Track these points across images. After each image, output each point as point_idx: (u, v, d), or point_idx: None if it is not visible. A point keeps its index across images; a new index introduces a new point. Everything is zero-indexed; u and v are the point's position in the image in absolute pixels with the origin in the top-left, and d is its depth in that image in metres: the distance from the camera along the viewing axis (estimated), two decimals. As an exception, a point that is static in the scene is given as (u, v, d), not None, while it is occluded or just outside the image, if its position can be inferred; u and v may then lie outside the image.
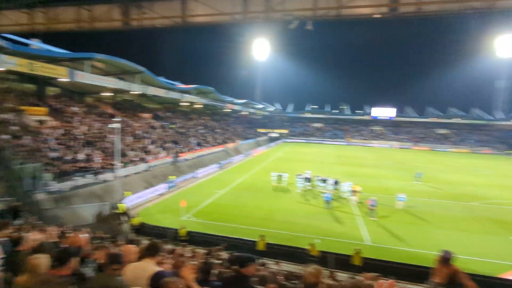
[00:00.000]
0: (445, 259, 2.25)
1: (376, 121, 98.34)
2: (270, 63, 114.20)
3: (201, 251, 11.74)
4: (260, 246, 13.88)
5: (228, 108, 69.17)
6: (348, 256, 13.56)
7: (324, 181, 28.10)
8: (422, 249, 15.75)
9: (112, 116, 31.06)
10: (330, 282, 7.07)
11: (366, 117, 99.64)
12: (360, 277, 10.28)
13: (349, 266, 13.13)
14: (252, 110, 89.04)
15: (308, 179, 28.38)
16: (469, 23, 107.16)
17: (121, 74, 34.11)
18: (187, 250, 11.13)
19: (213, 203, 23.24)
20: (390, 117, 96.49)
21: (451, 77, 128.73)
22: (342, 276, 12.15)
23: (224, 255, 11.38)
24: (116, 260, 3.54)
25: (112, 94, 37.10)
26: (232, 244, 14.38)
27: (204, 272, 4.17)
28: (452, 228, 19.25)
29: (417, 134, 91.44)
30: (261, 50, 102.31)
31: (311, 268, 3.29)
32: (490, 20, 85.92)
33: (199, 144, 43.26)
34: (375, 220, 20.00)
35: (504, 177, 40.29)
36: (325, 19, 11.48)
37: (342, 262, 13.53)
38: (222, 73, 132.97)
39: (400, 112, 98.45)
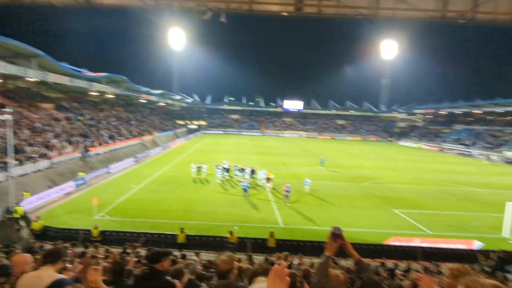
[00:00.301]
0: (335, 234, 2.66)
1: (287, 113, 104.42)
2: (188, 54, 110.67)
3: (116, 250, 11.08)
4: (180, 239, 13.71)
5: (143, 98, 64.98)
6: (264, 239, 14.39)
7: (241, 170, 28.92)
8: (327, 226, 17.58)
9: (2, 106, 26.32)
10: (245, 266, 7.47)
11: (278, 109, 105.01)
12: (272, 257, 11.12)
13: (265, 249, 13.96)
14: (169, 101, 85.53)
15: (226, 169, 28.82)
16: (362, 28, 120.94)
17: (12, 57, 29.12)
18: (101, 251, 10.40)
19: (130, 199, 21.85)
20: (298, 109, 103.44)
21: (347, 74, 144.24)
22: (259, 258, 12.90)
23: (142, 252, 10.98)
24: (3, 273, 3.11)
25: (1, 80, 31.48)
26: (151, 240, 13.87)
27: (115, 272, 3.89)
28: (349, 206, 21.88)
29: (321, 124, 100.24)
30: (177, 39, 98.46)
31: (224, 256, 3.29)
32: (378, 27, 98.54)
33: (112, 137, 39.81)
34: (289, 205, 21.23)
35: (387, 160, 47.33)
36: (238, 12, 11.69)
37: (259, 245, 14.29)
38: (137, 63, 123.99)
39: (307, 105, 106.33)
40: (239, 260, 11.00)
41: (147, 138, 50.45)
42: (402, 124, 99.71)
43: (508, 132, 63.75)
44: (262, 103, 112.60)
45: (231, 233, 14.08)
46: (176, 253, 12.72)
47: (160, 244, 13.66)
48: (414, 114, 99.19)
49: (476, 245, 15.31)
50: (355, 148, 65.64)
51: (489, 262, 12.56)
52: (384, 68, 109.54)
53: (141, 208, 19.64)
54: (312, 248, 14.13)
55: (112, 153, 35.52)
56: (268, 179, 25.70)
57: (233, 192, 24.30)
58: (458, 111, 79.82)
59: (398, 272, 10.41)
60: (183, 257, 11.33)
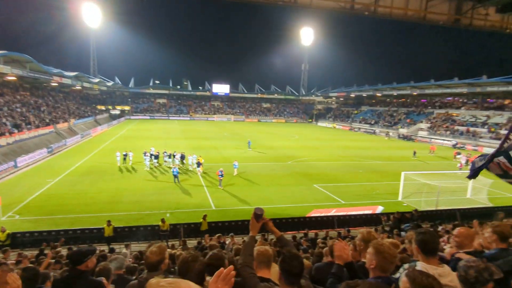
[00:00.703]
0: (257, 215, 2.71)
1: (215, 97, 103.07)
2: (106, 33, 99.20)
3: (32, 253, 9.78)
4: (108, 232, 12.70)
5: (55, 81, 56.46)
6: (197, 223, 14.24)
7: (171, 156, 27.86)
8: (257, 205, 18.14)
9: None
10: (178, 253, 7.29)
11: (207, 93, 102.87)
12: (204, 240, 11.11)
13: (199, 233, 13.86)
14: (87, 85, 76.48)
15: (155, 156, 27.39)
16: (285, 15, 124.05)
17: None
18: (11, 257, 9.06)
19: (45, 194, 19.25)
20: (226, 93, 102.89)
21: (272, 59, 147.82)
22: (193, 242, 12.77)
23: (64, 251, 9.91)
24: None
25: None
26: (73, 237, 12.57)
27: (27, 280, 3.29)
28: (276, 184, 22.92)
29: (248, 108, 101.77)
30: (92, 15, 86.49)
31: (154, 247, 3.11)
32: (298, 15, 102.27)
33: (17, 126, 34.15)
34: (221, 188, 21.11)
35: (308, 140, 50.68)
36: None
37: (192, 230, 14.12)
38: (45, 40, 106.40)
39: (234, 89, 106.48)
40: (172, 247, 10.75)
41: (62, 126, 44.70)
42: (319, 107, 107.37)
43: (401, 112, 73.60)
44: (189, 87, 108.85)
45: (163, 220, 13.57)
46: (104, 247, 11.82)
47: (85, 240, 12.47)
48: (330, 97, 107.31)
49: (379, 209, 17.59)
50: (280, 129, 68.58)
51: (389, 223, 14.61)
52: (303, 54, 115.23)
53: (60, 204, 17.50)
54: (243, 227, 14.48)
55: (19, 144, 30.64)
56: (198, 164, 25.28)
57: (163, 179, 23.35)
58: (364, 94, 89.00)
59: (319, 240, 11.39)
60: (112, 251, 10.58)
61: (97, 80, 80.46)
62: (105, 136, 47.38)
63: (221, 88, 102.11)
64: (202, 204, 18.34)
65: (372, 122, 74.61)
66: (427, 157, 36.99)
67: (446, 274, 2.49)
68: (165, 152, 28.36)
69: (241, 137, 49.91)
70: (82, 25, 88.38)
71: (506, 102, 57.21)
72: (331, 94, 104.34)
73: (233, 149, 37.45)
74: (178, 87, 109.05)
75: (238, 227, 14.08)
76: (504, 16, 9.27)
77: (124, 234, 13.15)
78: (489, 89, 55.08)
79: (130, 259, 8.16)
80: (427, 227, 12.12)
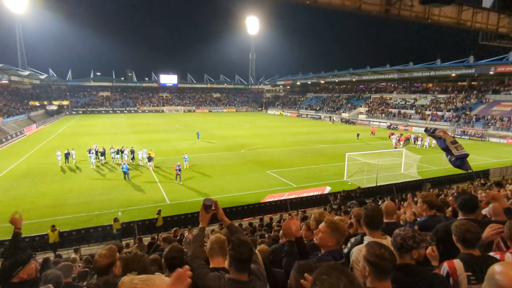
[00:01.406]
0: (206, 206, 2.70)
1: (164, 88, 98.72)
2: (36, 20, 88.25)
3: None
4: (53, 238, 11.64)
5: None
6: (151, 219, 13.72)
7: (118, 152, 26.26)
8: (212, 195, 18.08)
9: None
10: (135, 250, 6.99)
11: (154, 84, 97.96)
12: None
13: (154, 228, 13.39)
14: (16, 78, 67.79)
15: (101, 153, 25.55)
16: (231, 3, 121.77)
17: None
18: None
19: (-27, 203, 16.96)
20: (174, 84, 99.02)
21: (220, 48, 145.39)
22: (148, 240, 12.31)
23: None
24: None
25: None
26: (10, 247, 11.24)
27: None
28: (230, 173, 22.94)
29: (198, 98, 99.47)
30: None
31: (103, 249, 2.94)
32: (243, 3, 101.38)
33: None
34: (181, 183, 20.16)
35: (259, 128, 51.33)
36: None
37: (146, 226, 13.58)
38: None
39: (183, 79, 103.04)
40: (127, 246, 10.25)
41: (-12, 125, 39.41)
42: (268, 95, 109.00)
43: (343, 98, 77.97)
44: (135, 78, 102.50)
45: (115, 219, 12.84)
46: (50, 255, 10.87)
47: (26, 250, 11.27)
48: (277, 85, 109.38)
49: (327, 189, 18.64)
50: (231, 119, 68.38)
51: (336, 201, 15.58)
52: (251, 43, 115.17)
53: (-7, 212, 15.53)
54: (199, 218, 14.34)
55: None
56: (149, 158, 24.22)
57: (112, 177, 21.96)
58: (309, 81, 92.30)
59: (274, 224, 11.74)
60: (59, 257, 9.78)
61: (27, 72, 71.44)
62: (43, 135, 42.85)
63: (169, 79, 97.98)
64: (154, 199, 17.67)
65: (317, 108, 77.99)
66: (369, 138, 39.91)
67: (389, 245, 2.74)
68: (112, 148, 26.60)
69: (193, 128, 48.73)
70: (4, 10, 77.06)
71: (429, 85, 63.65)
72: (278, 83, 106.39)
73: (185, 141, 36.49)
74: (122, 78, 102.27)
75: (195, 219, 13.83)
76: (426, 8, 10.14)
77: (72, 238, 12.18)
78: (415, 74, 60.76)
79: (80, 264, 7.63)
80: (369, 202, 13.20)
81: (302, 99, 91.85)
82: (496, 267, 1.49)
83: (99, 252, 2.84)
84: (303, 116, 76.71)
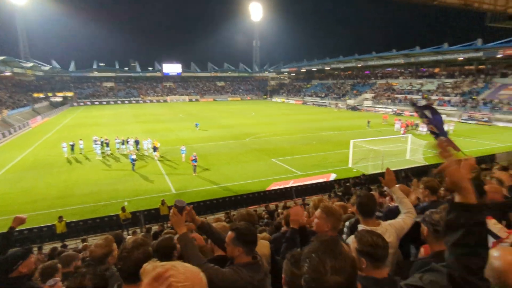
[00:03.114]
0: (179, 207, 2.51)
1: (167, 78, 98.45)
2: (37, 11, 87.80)
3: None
4: (60, 228, 11.82)
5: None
6: (157, 208, 13.86)
7: (124, 142, 26.39)
8: (217, 184, 18.14)
9: None
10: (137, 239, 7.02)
11: (158, 74, 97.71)
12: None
13: (160, 218, 13.53)
14: (19, 70, 67.92)
15: (106, 144, 25.70)
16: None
17: None
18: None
19: (-17, 195, 17.26)
20: (178, 73, 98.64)
21: (223, 36, 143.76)
22: (155, 228, 12.45)
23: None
24: None
25: None
26: (20, 238, 11.46)
27: None
28: (235, 162, 22.95)
29: (202, 87, 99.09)
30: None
31: (100, 239, 2.87)
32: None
33: None
34: (196, 175, 19.79)
35: (263, 117, 51.08)
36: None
37: (152, 216, 13.72)
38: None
39: (186, 68, 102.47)
40: (133, 234, 10.39)
41: (-5, 118, 39.82)
42: (273, 83, 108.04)
43: (348, 84, 76.95)
44: (138, 68, 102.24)
45: (123, 209, 12.99)
46: (58, 245, 11.07)
47: (34, 240, 11.51)
48: (282, 72, 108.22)
49: (332, 176, 18.57)
50: (236, 107, 68.11)
51: (341, 188, 15.54)
52: (254, 30, 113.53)
53: (2, 204, 15.76)
54: (205, 206, 14.46)
55: None
56: (154, 148, 24.33)
57: (118, 167, 22.14)
58: (314, 68, 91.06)
59: (280, 210, 11.77)
60: (64, 247, 9.94)
61: (30, 64, 71.70)
62: (48, 126, 43.23)
63: (172, 68, 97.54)
64: (160, 188, 17.80)
65: (323, 95, 77.17)
66: (380, 125, 39.15)
67: (383, 232, 2.68)
68: (117, 138, 26.70)
69: (197, 117, 48.68)
70: (4, 1, 76.64)
71: (436, 70, 62.38)
72: (283, 70, 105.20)
73: (189, 131, 36.50)
74: (126, 69, 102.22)
75: (200, 207, 13.98)
76: None
77: (79, 228, 12.38)
78: (421, 59, 59.48)
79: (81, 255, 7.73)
80: (374, 188, 13.11)
81: (307, 86, 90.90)
82: (494, 252, 1.46)
83: (95, 242, 2.83)
84: (308, 103, 76.06)
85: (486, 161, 19.04)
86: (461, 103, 47.01)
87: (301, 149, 26.39)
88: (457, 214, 1.24)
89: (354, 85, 74.96)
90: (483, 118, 41.01)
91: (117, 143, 26.34)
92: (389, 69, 72.72)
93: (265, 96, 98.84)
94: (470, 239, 1.22)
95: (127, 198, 16.21)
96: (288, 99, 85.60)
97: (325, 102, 71.65)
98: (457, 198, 1.27)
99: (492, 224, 2.72)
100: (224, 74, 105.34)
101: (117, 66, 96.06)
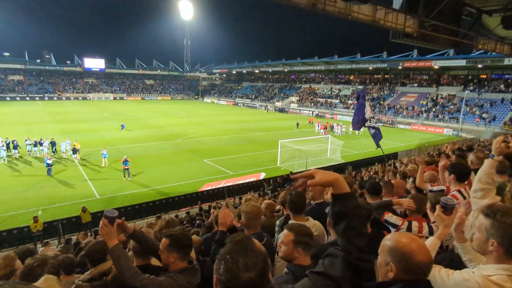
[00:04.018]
0: (110, 218, 2.36)
1: (89, 73, 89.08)
2: None
3: None
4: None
5: None
6: (77, 216, 12.62)
7: (36, 144, 23.15)
8: (147, 187, 17.29)
9: None
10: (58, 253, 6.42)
11: (78, 69, 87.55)
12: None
13: (81, 226, 12.37)
14: None
15: (14, 145, 22.20)
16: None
17: None
18: None
19: None
20: (101, 68, 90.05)
21: (152, 32, 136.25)
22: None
23: None
24: None
25: None
26: None
27: None
28: (166, 163, 22.10)
29: (129, 85, 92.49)
30: None
31: None
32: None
33: None
34: (129, 179, 18.38)
35: (195, 117, 50.20)
36: None
37: (73, 224, 12.45)
38: None
39: (111, 64, 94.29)
40: (45, 244, 9.31)
41: None
42: (204, 83, 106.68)
43: (277, 87, 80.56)
44: (53, 61, 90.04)
45: (35, 219, 11.48)
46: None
47: None
48: (214, 73, 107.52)
49: (262, 175, 19.37)
50: (166, 107, 65.41)
51: (270, 187, 16.36)
52: (185, 29, 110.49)
53: None
54: (134, 211, 13.70)
55: None
56: (74, 150, 21.95)
57: (31, 172, 19.37)
58: (244, 70, 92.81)
59: (213, 211, 11.84)
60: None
61: None
62: None
63: (94, 63, 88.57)
64: (82, 194, 16.17)
65: (253, 97, 79.27)
66: (307, 127, 41.32)
67: (311, 226, 3.05)
68: (28, 139, 23.23)
69: (125, 117, 45.37)
70: None
71: (351, 77, 69.49)
72: (214, 71, 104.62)
73: (116, 131, 33.81)
74: (38, 61, 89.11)
75: (128, 212, 13.20)
76: (347, 4, 10.89)
77: (-20, 244, 10.59)
78: (339, 66, 65.65)
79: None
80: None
81: (238, 87, 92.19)
82: (388, 237, 1.63)
83: None
84: (239, 104, 77.24)
85: (391, 158, 22.11)
86: (371, 107, 53.33)
87: (232, 149, 26.78)
88: (340, 204, 1.48)
89: (282, 88, 78.79)
90: (388, 121, 47.28)
91: (28, 145, 22.95)
92: (312, 74, 78.35)
93: (196, 96, 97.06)
94: (354, 222, 1.46)
95: (42, 206, 14.39)
96: (219, 100, 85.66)
97: (255, 104, 73.72)
98: (333, 191, 1.51)
99: (389, 216, 3.34)
100: (154, 72, 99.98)
101: (26, 58, 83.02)
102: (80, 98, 78.60)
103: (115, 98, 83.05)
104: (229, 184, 17.18)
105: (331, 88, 67.67)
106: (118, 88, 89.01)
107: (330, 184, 1.49)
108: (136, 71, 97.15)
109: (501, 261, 1.63)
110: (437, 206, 2.25)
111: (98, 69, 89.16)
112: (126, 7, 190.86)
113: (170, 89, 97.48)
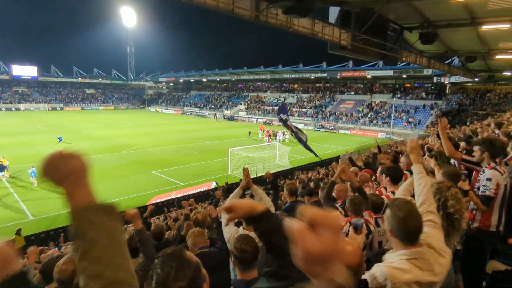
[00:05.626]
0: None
1: (19, 81, 79.39)
2: None
3: None
4: None
5: None
6: (9, 241, 11.06)
7: (-49, 163, 19.86)
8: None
9: None
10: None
11: (5, 77, 77.23)
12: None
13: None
14: None
15: None
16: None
17: None
18: None
19: None
20: (33, 76, 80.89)
21: (92, 39, 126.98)
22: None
23: None
24: None
25: None
26: None
27: None
28: (109, 177, 20.51)
29: (67, 94, 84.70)
30: None
31: None
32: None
33: None
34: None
35: (141, 127, 47.76)
36: None
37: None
38: None
39: (45, 72, 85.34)
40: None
41: None
42: (150, 92, 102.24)
43: (225, 96, 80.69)
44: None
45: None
46: None
47: None
48: (160, 82, 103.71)
49: (213, 185, 19.12)
50: (109, 117, 61.15)
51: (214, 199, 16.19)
52: (128, 36, 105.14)
53: None
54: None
55: None
56: (2, 167, 19.30)
57: None
58: (192, 79, 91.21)
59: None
60: None
61: None
62: None
63: (25, 71, 79.09)
64: (13, 217, 14.29)
65: (201, 106, 78.26)
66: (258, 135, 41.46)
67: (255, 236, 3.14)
68: None
69: (62, 128, 41.25)
70: None
71: (295, 86, 72.69)
72: (161, 79, 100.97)
73: (52, 144, 30.52)
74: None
75: (66, 233, 11.95)
76: (288, 17, 11.33)
77: None
78: (284, 76, 68.29)
79: None
80: (249, 193, 14.27)
81: (186, 96, 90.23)
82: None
83: None
84: (187, 113, 75.54)
85: (334, 161, 23.35)
86: (314, 114, 56.39)
87: (182, 159, 26.04)
88: (258, 225, 1.50)
89: (230, 97, 79.14)
90: (330, 126, 50.31)
91: None
92: (259, 83, 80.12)
93: (142, 106, 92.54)
94: (275, 239, 1.45)
95: (-40, 235, 12.31)
96: (167, 109, 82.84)
97: (204, 113, 72.81)
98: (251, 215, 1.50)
99: None
100: (94, 81, 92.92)
101: None
102: (13, 109, 69.51)
103: (51, 109, 75.19)
104: (179, 195, 16.65)
105: (278, 96, 69.96)
106: (54, 98, 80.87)
107: (249, 212, 1.50)
108: (74, 80, 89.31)
109: (400, 248, 1.87)
110: (350, 228, 2.61)
111: (30, 77, 79.92)
112: (62, 12, 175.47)
113: (113, 98, 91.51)
